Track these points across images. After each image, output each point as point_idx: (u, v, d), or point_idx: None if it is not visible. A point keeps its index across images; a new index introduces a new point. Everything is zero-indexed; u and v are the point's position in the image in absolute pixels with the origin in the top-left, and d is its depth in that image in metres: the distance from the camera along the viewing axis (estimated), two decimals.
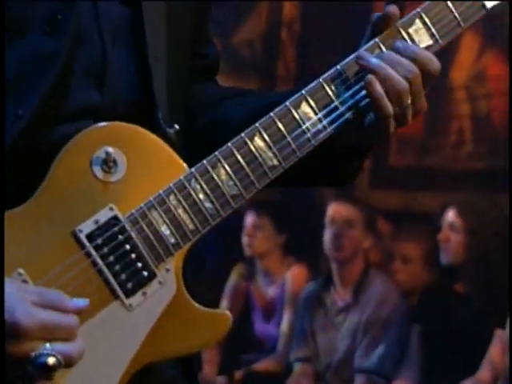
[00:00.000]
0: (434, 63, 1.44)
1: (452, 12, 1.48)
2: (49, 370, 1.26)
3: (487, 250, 4.59)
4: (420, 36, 1.47)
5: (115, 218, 1.40)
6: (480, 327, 4.41)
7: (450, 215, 4.68)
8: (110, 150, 1.40)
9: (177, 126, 1.48)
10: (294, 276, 5.23)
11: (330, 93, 1.47)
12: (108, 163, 1.40)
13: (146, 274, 1.40)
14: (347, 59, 1.49)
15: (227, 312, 1.46)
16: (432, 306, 4.76)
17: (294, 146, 1.46)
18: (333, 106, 1.47)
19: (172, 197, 1.42)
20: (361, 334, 4.69)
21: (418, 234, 4.91)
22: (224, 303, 5.23)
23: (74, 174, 1.41)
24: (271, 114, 1.45)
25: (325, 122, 1.47)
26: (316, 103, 1.47)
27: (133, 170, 1.42)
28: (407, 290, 4.88)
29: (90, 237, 1.39)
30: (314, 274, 5.19)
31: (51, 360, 1.25)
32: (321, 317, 4.85)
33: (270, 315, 5.26)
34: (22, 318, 1.24)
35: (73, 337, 1.30)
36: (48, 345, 1.27)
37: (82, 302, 1.33)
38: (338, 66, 1.48)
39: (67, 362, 1.29)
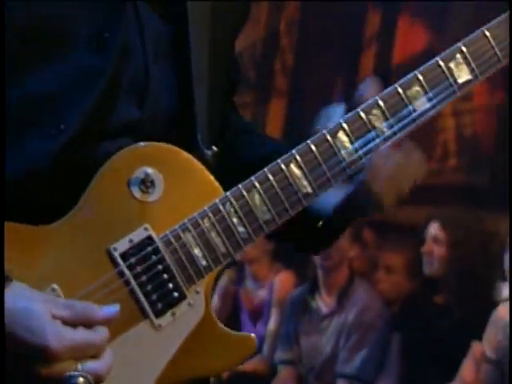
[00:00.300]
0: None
1: (493, 48, 1.45)
2: None
3: (469, 263, 4.59)
4: (460, 71, 1.44)
5: (149, 238, 1.36)
6: (458, 338, 4.41)
7: (434, 228, 4.68)
8: (149, 170, 1.36)
9: (215, 148, 1.44)
10: (281, 281, 5.22)
11: (368, 123, 1.44)
12: (146, 183, 1.36)
13: (176, 295, 1.37)
14: (386, 91, 1.46)
15: (253, 335, 1.42)
16: (412, 316, 4.76)
17: (329, 174, 1.43)
18: (370, 136, 1.44)
19: (206, 220, 1.38)
20: (343, 340, 4.67)
21: (402, 246, 4.91)
22: (214, 304, 5.18)
23: (112, 192, 1.37)
24: (308, 141, 1.42)
25: (360, 152, 1.44)
26: (353, 133, 1.43)
27: (169, 191, 1.38)
28: (389, 298, 4.88)
29: (123, 256, 1.35)
30: (300, 280, 5.18)
31: (82, 380, 1.22)
32: (306, 321, 4.83)
33: (258, 318, 5.23)
34: (53, 341, 1.20)
35: (102, 353, 1.26)
36: (79, 365, 1.23)
37: (112, 310, 1.29)
38: (377, 97, 1.44)
39: (97, 380, 1.25)
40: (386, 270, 4.90)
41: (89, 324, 1.26)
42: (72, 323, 1.24)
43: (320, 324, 4.80)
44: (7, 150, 1.30)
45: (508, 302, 4.34)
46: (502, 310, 4.31)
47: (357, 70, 6.26)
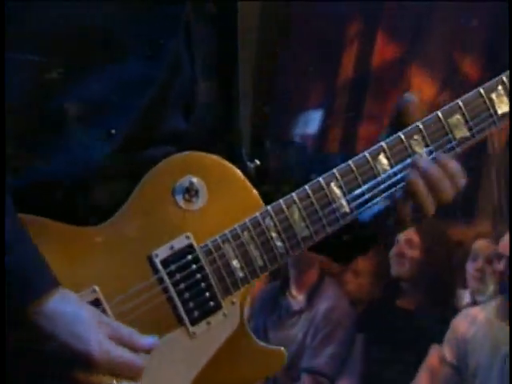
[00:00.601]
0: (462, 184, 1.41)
1: None
2: None
3: (435, 269, 4.63)
4: (501, 102, 1.43)
5: (190, 246, 1.33)
6: (419, 342, 4.45)
7: (409, 231, 4.70)
8: (194, 180, 1.33)
9: (257, 162, 1.41)
10: None
11: (408, 148, 1.42)
12: (190, 192, 1.33)
13: (212, 304, 1.34)
14: (427, 117, 1.44)
15: (282, 349, 1.40)
16: (376, 318, 4.78)
17: (367, 196, 1.40)
18: (409, 161, 1.42)
19: (246, 232, 1.35)
20: (310, 337, 4.68)
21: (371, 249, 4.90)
22: None
23: (156, 198, 1.33)
24: (350, 161, 1.40)
25: (399, 177, 1.42)
26: (393, 156, 1.41)
27: (212, 201, 1.35)
28: (356, 299, 4.90)
29: (164, 262, 1.31)
30: (272, 277, 5.15)
31: None
32: (275, 317, 4.82)
33: None
34: (96, 350, 1.16)
35: (138, 378, 1.22)
36: (115, 382, 1.20)
37: (152, 341, 1.25)
38: (419, 123, 1.42)
39: None
40: (354, 272, 4.92)
41: (131, 347, 1.21)
42: (116, 341, 1.19)
43: (289, 320, 4.80)
44: (58, 152, 1.25)
45: (467, 310, 4.40)
46: (462, 316, 4.36)
47: (336, 72, 6.25)
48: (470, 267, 4.36)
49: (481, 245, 4.34)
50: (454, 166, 1.39)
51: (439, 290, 4.63)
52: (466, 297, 4.55)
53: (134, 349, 1.21)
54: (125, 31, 1.30)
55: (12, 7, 1.21)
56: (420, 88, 5.93)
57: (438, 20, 5.67)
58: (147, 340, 1.23)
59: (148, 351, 1.23)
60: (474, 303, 4.24)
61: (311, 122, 5.38)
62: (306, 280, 4.82)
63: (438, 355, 4.35)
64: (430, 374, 4.37)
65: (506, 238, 4.00)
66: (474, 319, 4.11)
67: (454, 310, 4.48)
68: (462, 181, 1.39)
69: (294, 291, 4.83)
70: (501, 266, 4.12)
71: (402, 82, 5.82)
